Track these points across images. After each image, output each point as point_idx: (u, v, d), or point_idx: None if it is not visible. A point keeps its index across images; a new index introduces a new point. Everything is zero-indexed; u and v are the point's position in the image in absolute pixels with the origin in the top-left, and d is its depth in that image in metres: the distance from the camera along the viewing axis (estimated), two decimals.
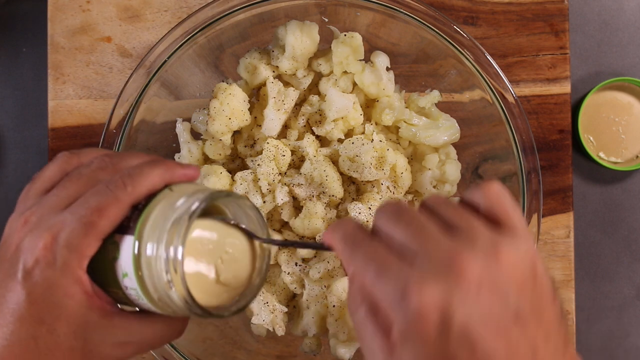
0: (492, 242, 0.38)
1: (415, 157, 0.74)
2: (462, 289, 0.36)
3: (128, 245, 0.45)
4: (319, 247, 0.47)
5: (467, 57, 0.68)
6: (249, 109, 0.72)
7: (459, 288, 0.36)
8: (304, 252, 0.70)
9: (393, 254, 0.39)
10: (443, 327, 0.36)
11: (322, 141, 0.73)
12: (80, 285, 0.45)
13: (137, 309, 0.49)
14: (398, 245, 0.39)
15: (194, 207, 0.44)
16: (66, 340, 0.45)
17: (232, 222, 0.49)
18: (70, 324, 0.44)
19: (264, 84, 0.72)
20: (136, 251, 0.44)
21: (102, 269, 0.46)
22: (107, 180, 0.46)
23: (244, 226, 0.49)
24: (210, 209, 0.49)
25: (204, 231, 0.48)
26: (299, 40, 0.70)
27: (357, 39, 0.71)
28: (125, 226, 0.45)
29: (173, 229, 0.44)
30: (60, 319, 0.44)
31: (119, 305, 0.48)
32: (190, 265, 0.46)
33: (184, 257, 0.43)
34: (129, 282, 0.45)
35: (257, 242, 0.50)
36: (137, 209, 0.45)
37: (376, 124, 0.73)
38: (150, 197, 0.46)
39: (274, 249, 0.55)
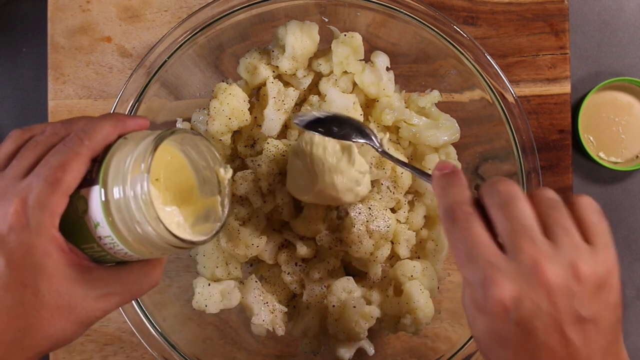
0: (576, 252, 0.44)
1: (415, 157, 0.74)
2: (537, 290, 0.43)
3: (95, 195, 0.47)
4: (424, 175, 0.58)
5: (467, 57, 0.68)
6: (249, 109, 0.72)
7: (534, 289, 0.43)
8: (303, 252, 0.70)
9: (487, 241, 0.45)
10: (511, 314, 0.43)
11: None
12: (56, 243, 0.46)
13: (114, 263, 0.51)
14: (498, 231, 0.45)
15: (151, 139, 0.47)
16: (51, 300, 0.46)
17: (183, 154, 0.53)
18: (52, 283, 0.46)
19: (264, 84, 0.72)
20: (104, 197, 0.46)
21: (74, 225, 0.47)
22: (64, 139, 0.48)
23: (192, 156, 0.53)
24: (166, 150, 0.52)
25: (160, 167, 0.51)
26: (299, 40, 0.70)
27: (357, 39, 0.71)
28: (89, 179, 0.47)
29: (135, 167, 0.46)
30: (43, 280, 0.45)
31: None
32: (156, 202, 0.48)
33: (149, 188, 0.46)
34: (102, 231, 0.47)
35: (215, 170, 0.54)
36: (97, 162, 0.48)
37: (377, 124, 0.73)
38: (107, 148, 0.48)
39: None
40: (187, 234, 0.51)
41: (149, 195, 0.46)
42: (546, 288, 0.43)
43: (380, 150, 0.66)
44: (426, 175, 0.58)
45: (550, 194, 0.48)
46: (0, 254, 0.45)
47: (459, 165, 0.73)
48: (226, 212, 0.54)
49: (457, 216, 0.46)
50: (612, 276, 0.45)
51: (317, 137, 0.66)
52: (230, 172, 0.54)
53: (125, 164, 0.46)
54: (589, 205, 0.47)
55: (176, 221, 0.52)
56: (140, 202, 0.45)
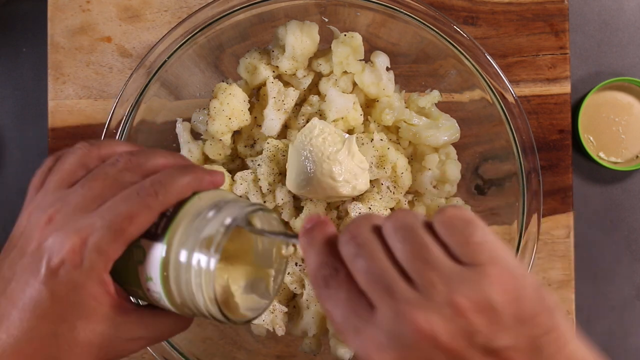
0: (449, 286, 0.36)
1: (415, 157, 0.74)
2: (414, 348, 0.36)
3: (156, 251, 0.45)
4: (290, 238, 0.47)
5: (467, 57, 0.68)
6: (249, 109, 0.72)
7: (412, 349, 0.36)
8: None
9: (353, 305, 0.38)
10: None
11: None
12: (105, 287, 0.45)
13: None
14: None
15: (228, 222, 0.45)
16: (85, 337, 0.46)
17: (260, 231, 0.49)
18: (90, 322, 0.46)
19: (264, 84, 0.72)
20: (165, 257, 0.45)
21: (125, 269, 0.47)
22: (137, 186, 0.46)
23: (270, 235, 0.49)
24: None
25: (231, 242, 0.49)
26: (299, 40, 0.70)
27: (357, 39, 0.71)
28: (153, 232, 0.46)
29: (207, 242, 0.44)
30: (82, 318, 0.45)
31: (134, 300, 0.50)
32: (219, 276, 0.47)
33: (216, 269, 0.44)
34: (153, 286, 0.46)
35: (277, 252, 0.51)
36: (165, 217, 0.46)
37: (377, 124, 0.73)
38: (178, 204, 0.47)
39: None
40: (234, 313, 0.49)
41: (213, 276, 0.44)
42: (432, 340, 0.35)
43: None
44: (295, 237, 0.47)
45: (402, 219, 0.39)
46: (45, 285, 0.44)
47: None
48: (277, 288, 0.51)
49: (321, 280, 0.40)
50: (520, 288, 0.37)
51: (318, 129, 0.67)
52: (291, 250, 0.50)
53: (196, 232, 0.45)
54: (451, 218, 0.38)
55: (225, 293, 0.49)
56: (202, 279, 0.44)
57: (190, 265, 0.45)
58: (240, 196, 0.70)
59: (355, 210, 0.69)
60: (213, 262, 0.44)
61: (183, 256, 0.45)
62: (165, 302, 0.47)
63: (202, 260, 0.44)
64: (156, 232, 0.46)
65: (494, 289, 0.36)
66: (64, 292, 0.44)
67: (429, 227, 0.39)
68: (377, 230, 0.40)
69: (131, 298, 0.49)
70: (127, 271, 0.47)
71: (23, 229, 0.47)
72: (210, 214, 0.46)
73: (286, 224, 0.72)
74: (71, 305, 0.45)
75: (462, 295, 0.35)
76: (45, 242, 0.45)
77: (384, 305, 0.37)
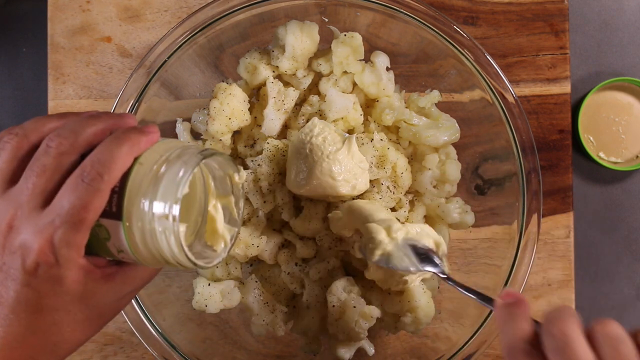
0: None
1: (415, 157, 0.74)
2: None
3: (118, 228, 0.48)
4: (487, 300, 0.55)
5: (467, 57, 0.68)
6: (249, 109, 0.72)
7: None
8: (303, 252, 0.70)
9: None
10: None
11: None
12: (85, 269, 0.48)
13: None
14: None
15: (181, 175, 0.47)
16: (81, 314, 0.49)
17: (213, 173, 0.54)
18: (81, 301, 0.49)
19: (264, 84, 0.72)
20: (127, 231, 0.47)
21: (96, 244, 0.49)
22: (79, 171, 0.47)
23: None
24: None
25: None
26: (299, 40, 0.70)
27: (357, 39, 0.71)
28: (108, 211, 0.47)
29: (166, 197, 0.46)
30: (73, 302, 0.48)
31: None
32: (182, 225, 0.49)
33: (179, 223, 0.47)
34: (126, 256, 0.49)
35: (231, 181, 0.55)
36: (116, 192, 0.47)
37: (377, 124, 0.73)
38: (124, 176, 0.48)
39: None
40: (203, 258, 0.52)
41: (178, 234, 0.47)
42: None
43: (444, 277, 0.62)
44: (489, 301, 0.56)
45: (614, 330, 0.44)
46: (30, 286, 0.47)
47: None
48: (241, 213, 0.54)
49: (517, 357, 0.45)
50: None
51: (318, 128, 0.67)
52: (244, 175, 0.55)
53: (149, 201, 0.47)
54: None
55: (192, 239, 0.53)
56: (167, 238, 0.47)
57: (155, 229, 0.47)
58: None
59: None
60: (176, 226, 0.46)
61: (144, 223, 0.47)
62: (136, 260, 0.49)
63: (165, 222, 0.46)
64: (111, 209, 0.47)
65: None
66: (49, 287, 0.47)
67: (632, 337, 0.44)
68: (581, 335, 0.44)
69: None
70: (98, 246, 0.49)
71: None
72: (162, 169, 0.47)
73: (286, 224, 0.72)
74: (59, 295, 0.47)
75: None
76: (12, 248, 0.46)
77: None
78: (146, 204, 0.47)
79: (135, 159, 0.48)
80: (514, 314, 0.47)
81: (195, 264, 0.50)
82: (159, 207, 0.46)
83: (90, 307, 0.49)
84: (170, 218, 0.46)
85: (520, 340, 0.45)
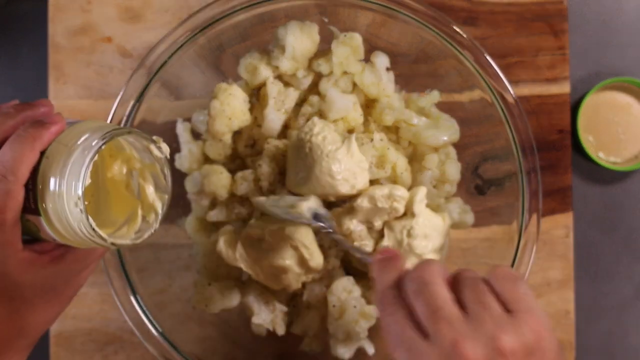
0: (496, 326, 0.44)
1: (415, 157, 0.74)
2: None
3: (41, 222, 0.50)
4: (363, 255, 0.61)
5: (467, 57, 0.68)
6: (249, 109, 0.72)
7: None
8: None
9: (410, 325, 0.46)
10: None
11: None
12: (25, 260, 0.50)
13: None
14: (417, 317, 0.46)
15: (82, 166, 0.48)
16: (39, 299, 0.52)
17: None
18: (34, 287, 0.51)
19: (264, 84, 0.73)
20: (49, 225, 0.49)
21: (35, 234, 0.51)
22: None
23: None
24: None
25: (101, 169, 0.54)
26: (299, 40, 0.70)
27: (357, 39, 0.71)
28: (28, 207, 0.49)
29: (69, 185, 0.48)
30: (25, 290, 0.51)
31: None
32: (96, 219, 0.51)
33: (88, 217, 0.48)
34: (60, 241, 0.51)
35: (152, 153, 0.55)
36: (29, 189, 0.49)
37: (377, 124, 0.73)
38: (34, 171, 0.49)
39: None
40: (126, 236, 0.54)
41: (88, 221, 0.48)
42: None
43: (332, 233, 0.65)
44: (369, 256, 0.62)
45: (469, 273, 0.48)
46: None
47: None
48: (169, 179, 0.55)
49: (385, 302, 0.48)
50: (541, 340, 0.44)
51: (317, 127, 0.67)
52: (164, 149, 0.55)
53: (57, 191, 0.48)
54: (504, 275, 0.47)
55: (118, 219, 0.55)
56: (79, 224, 0.48)
57: (68, 219, 0.48)
58: (241, 196, 0.70)
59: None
60: (85, 217, 0.48)
61: (59, 213, 0.48)
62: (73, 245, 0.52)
63: (73, 208, 0.48)
64: (30, 205, 0.49)
65: (533, 338, 0.44)
66: (0, 282, 0.50)
67: (485, 281, 0.48)
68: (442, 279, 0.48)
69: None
70: (38, 236, 0.51)
71: None
72: (65, 160, 0.48)
73: None
74: (10, 287, 0.50)
75: (506, 335, 0.43)
76: None
77: (440, 332, 0.44)
78: (54, 194, 0.48)
79: (43, 152, 0.49)
80: (387, 266, 0.51)
81: (115, 244, 0.51)
82: (64, 195, 0.48)
83: (46, 290, 0.52)
84: (78, 205, 0.47)
85: (388, 286, 0.49)
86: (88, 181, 0.48)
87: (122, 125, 0.69)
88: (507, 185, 0.71)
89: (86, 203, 0.48)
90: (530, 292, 0.47)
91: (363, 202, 0.67)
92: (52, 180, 0.48)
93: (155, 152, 0.54)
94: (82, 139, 0.49)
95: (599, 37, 0.83)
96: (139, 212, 0.55)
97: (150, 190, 0.56)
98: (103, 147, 0.49)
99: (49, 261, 0.52)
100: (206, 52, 0.73)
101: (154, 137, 0.54)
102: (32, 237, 0.52)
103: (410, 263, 0.65)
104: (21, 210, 0.49)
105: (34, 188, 0.49)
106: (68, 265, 0.53)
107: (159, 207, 0.56)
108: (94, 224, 0.49)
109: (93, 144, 0.48)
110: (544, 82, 0.80)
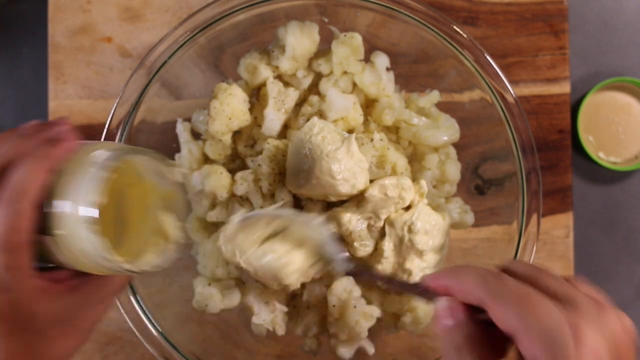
0: (597, 311, 0.46)
1: (415, 157, 0.74)
2: (580, 355, 0.42)
3: (53, 242, 0.48)
4: (420, 293, 0.52)
5: (467, 57, 0.68)
6: (249, 109, 0.72)
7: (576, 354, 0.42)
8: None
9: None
10: None
11: None
12: (38, 288, 0.47)
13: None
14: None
15: (93, 185, 0.46)
16: (55, 331, 0.49)
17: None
18: (48, 318, 0.48)
19: (264, 84, 0.73)
20: (60, 242, 0.47)
21: (50, 260, 0.49)
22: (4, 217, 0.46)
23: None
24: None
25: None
26: (299, 40, 0.70)
27: (357, 39, 0.71)
28: (42, 227, 0.47)
29: (81, 203, 0.46)
30: (39, 320, 0.48)
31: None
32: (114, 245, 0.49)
33: (106, 246, 0.46)
34: (74, 267, 0.50)
35: (170, 188, 0.54)
36: (42, 210, 0.47)
37: (377, 124, 0.73)
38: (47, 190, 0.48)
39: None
40: (143, 263, 0.52)
41: (110, 252, 0.46)
42: (586, 349, 0.43)
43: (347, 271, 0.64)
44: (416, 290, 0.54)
45: (535, 267, 0.48)
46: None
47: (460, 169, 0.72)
48: (188, 205, 0.54)
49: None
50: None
51: (317, 127, 0.67)
52: (182, 171, 0.54)
53: (69, 210, 0.46)
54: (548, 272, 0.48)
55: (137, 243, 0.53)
56: (92, 245, 0.46)
57: (80, 240, 0.46)
58: (240, 196, 0.70)
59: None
60: (104, 249, 0.46)
61: (73, 234, 0.46)
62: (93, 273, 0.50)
63: (85, 229, 0.46)
64: (43, 225, 0.47)
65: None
66: (9, 311, 0.47)
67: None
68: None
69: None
70: (51, 261, 0.49)
71: None
72: (76, 178, 0.47)
73: None
74: (22, 318, 0.47)
75: (611, 320, 0.47)
76: None
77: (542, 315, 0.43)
78: (67, 213, 0.46)
79: (57, 172, 0.48)
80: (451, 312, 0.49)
81: (131, 271, 0.49)
82: (78, 213, 0.46)
83: (61, 322, 0.49)
84: (91, 224, 0.45)
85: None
86: (103, 200, 0.47)
87: (121, 126, 0.69)
88: (507, 185, 0.71)
89: (100, 228, 0.46)
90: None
91: (374, 191, 0.67)
92: (63, 199, 0.46)
93: (171, 176, 0.52)
94: (95, 156, 0.48)
95: (599, 37, 0.83)
96: (158, 241, 0.54)
97: (168, 219, 0.54)
98: (116, 164, 0.47)
99: (65, 290, 0.49)
100: (206, 52, 0.73)
101: (170, 161, 0.53)
102: (46, 264, 0.50)
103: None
104: (34, 232, 0.47)
105: (47, 208, 0.47)
106: (84, 296, 0.50)
107: (177, 236, 0.54)
108: (108, 244, 0.47)
109: (106, 161, 0.47)
110: (544, 82, 0.80)
